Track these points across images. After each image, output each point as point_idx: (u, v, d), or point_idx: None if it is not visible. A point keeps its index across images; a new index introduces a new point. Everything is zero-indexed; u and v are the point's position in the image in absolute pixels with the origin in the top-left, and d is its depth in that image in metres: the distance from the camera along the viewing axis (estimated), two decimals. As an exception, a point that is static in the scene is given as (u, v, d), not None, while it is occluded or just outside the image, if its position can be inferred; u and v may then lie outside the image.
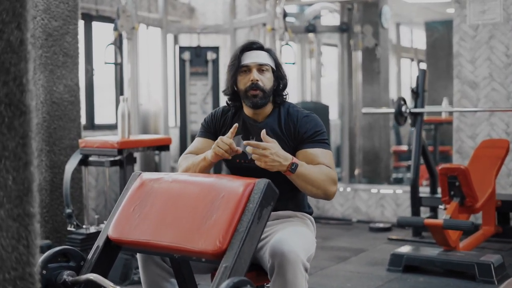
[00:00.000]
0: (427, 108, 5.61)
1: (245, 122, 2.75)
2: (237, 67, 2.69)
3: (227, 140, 2.54)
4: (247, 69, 2.68)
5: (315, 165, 2.55)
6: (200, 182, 2.40)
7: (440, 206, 4.69)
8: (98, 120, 6.51)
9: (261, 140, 2.65)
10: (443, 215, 4.40)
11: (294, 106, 2.76)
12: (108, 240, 2.43)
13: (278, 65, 2.73)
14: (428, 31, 10.11)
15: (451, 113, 7.66)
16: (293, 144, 2.64)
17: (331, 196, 2.55)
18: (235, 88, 2.73)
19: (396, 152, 9.15)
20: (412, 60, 12.18)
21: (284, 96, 2.75)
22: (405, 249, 4.60)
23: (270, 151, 2.42)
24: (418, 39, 11.66)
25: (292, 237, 2.43)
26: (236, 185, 2.27)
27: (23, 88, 1.23)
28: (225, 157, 2.57)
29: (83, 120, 6.22)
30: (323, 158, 2.58)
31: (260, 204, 2.19)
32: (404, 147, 9.78)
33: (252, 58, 2.68)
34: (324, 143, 2.63)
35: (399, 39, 11.40)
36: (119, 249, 2.47)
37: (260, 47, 2.72)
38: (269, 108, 2.72)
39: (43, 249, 4.18)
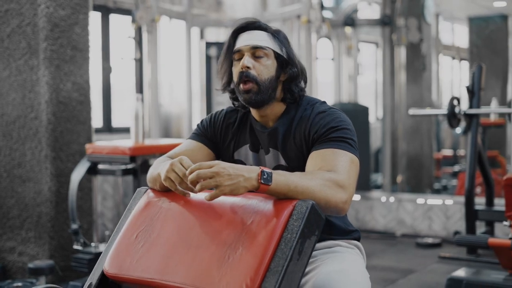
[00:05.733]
0: (484, 109, 4.96)
1: (253, 128, 2.08)
2: (231, 54, 2.03)
3: (187, 163, 1.80)
4: (240, 55, 2.01)
5: (308, 172, 1.84)
6: (222, 202, 1.84)
7: (505, 223, 4.06)
8: (116, 123, 5.96)
9: (269, 150, 2.04)
10: (500, 229, 3.79)
11: (314, 101, 2.05)
12: (103, 277, 1.92)
13: (286, 49, 2.02)
14: (472, 27, 9.50)
15: (501, 115, 7.10)
16: (308, 155, 1.94)
17: (340, 205, 1.75)
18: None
19: (440, 157, 8.61)
20: (453, 58, 11.58)
21: (300, 92, 2.04)
22: (463, 272, 4.00)
23: (219, 165, 1.69)
24: (460, 35, 11.07)
25: (339, 279, 1.77)
26: (270, 207, 1.74)
27: None
28: (173, 189, 1.85)
29: (99, 123, 5.73)
30: (326, 159, 1.83)
31: (301, 234, 1.68)
32: (447, 152, 9.25)
33: (245, 40, 2.00)
34: (339, 141, 1.88)
35: (439, 35, 10.77)
36: (118, 289, 1.95)
37: (258, 26, 2.03)
38: (279, 107, 2.04)
39: (44, 271, 3.66)
